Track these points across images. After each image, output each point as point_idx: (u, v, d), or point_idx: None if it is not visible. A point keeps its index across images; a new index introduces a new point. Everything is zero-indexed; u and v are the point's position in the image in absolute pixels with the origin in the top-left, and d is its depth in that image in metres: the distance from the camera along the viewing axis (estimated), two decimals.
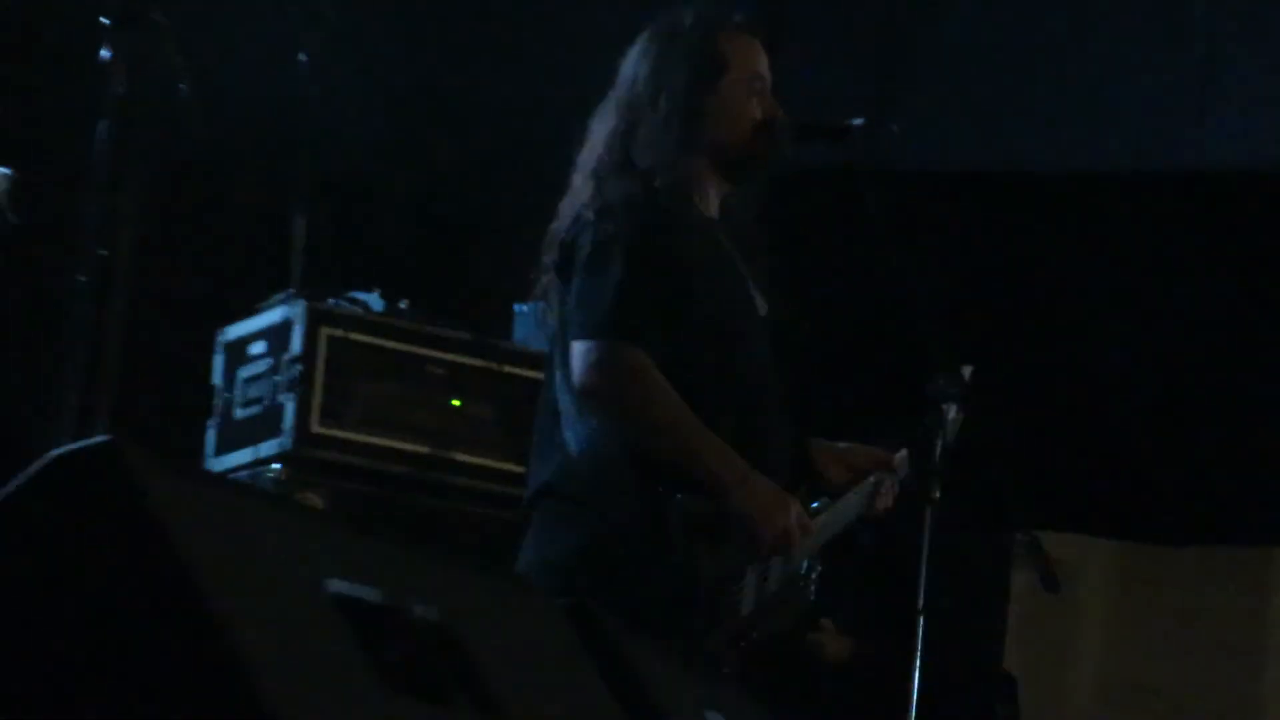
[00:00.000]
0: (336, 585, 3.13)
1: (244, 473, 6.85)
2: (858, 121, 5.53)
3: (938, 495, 5.39)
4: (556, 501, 5.40)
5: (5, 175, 6.32)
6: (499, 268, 7.47)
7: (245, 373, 6.96)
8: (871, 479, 5.55)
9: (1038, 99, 8.33)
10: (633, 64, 5.51)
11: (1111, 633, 8.47)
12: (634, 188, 5.34)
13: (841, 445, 5.66)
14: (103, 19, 5.54)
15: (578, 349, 5.24)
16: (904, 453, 5.58)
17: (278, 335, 6.83)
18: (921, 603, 5.34)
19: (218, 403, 7.06)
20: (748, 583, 5.41)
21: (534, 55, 8.55)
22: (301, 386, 6.71)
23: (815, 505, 5.49)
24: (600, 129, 5.48)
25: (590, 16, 8.45)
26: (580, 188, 5.44)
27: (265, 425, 6.83)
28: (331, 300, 6.89)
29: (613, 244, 5.27)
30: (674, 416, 5.24)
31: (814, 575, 5.48)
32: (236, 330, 7.05)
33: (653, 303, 5.27)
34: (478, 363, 6.92)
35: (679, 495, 5.27)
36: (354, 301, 6.98)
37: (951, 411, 5.43)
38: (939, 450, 5.43)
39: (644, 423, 5.27)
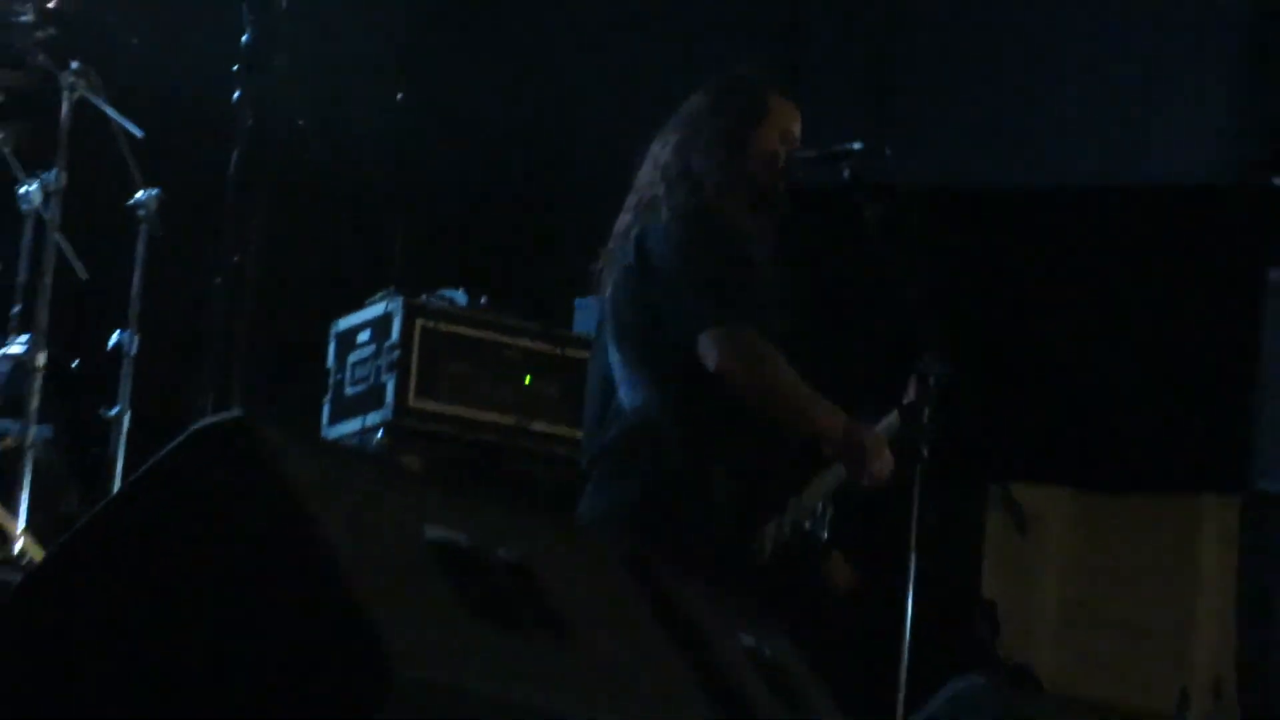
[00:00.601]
0: (432, 532, 3.11)
1: (353, 439, 6.86)
2: (857, 146, 5.52)
3: (926, 453, 5.37)
4: (614, 461, 5.39)
5: (154, 195, 6.31)
6: (562, 269, 7.44)
7: (354, 357, 6.98)
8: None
9: (1008, 126, 8.29)
10: (696, 99, 5.53)
11: (1070, 566, 8.41)
12: (697, 200, 5.36)
13: None
14: (234, 66, 5.52)
15: (708, 338, 5.21)
16: (894, 415, 5.55)
17: (380, 326, 6.85)
18: (913, 541, 5.32)
19: (331, 382, 7.08)
20: (769, 529, 5.41)
21: (590, 96, 8.51)
22: (400, 368, 6.73)
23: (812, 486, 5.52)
24: (661, 144, 5.49)
25: (648, 60, 8.44)
26: (645, 184, 5.46)
27: (370, 400, 6.85)
28: (424, 296, 6.91)
29: (700, 246, 5.30)
30: (793, 384, 5.27)
31: (827, 517, 5.46)
32: (346, 322, 7.07)
33: (741, 293, 5.28)
34: (545, 347, 6.93)
35: (718, 452, 5.30)
36: (443, 298, 7.00)
37: (936, 384, 5.40)
38: (927, 416, 5.41)
39: (772, 391, 5.28)
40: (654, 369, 5.34)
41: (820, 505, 5.48)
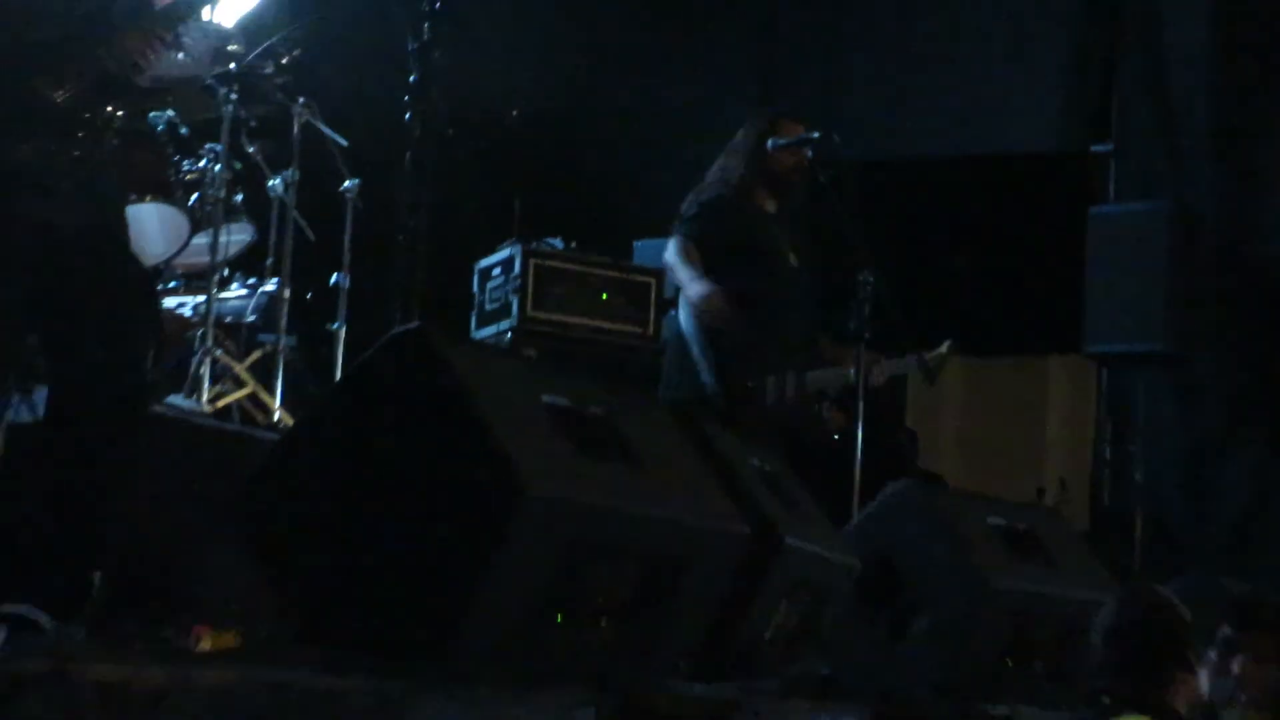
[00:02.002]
0: (547, 398, 3.10)
1: (491, 339, 6.83)
2: (816, 135, 5.50)
3: (867, 335, 5.33)
4: (669, 353, 5.59)
5: (355, 183, 6.28)
6: (624, 223, 7.41)
7: (490, 285, 6.93)
8: (844, 368, 5.53)
9: (916, 117, 8.18)
10: (739, 134, 5.63)
11: (962, 407, 8.37)
12: (712, 193, 5.52)
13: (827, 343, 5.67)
14: (405, 96, 5.48)
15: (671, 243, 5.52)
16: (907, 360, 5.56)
17: (507, 264, 6.80)
18: (860, 392, 5.29)
19: (475, 302, 7.04)
20: (772, 382, 5.42)
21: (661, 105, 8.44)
22: (520, 291, 6.67)
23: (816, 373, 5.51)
24: (719, 161, 5.62)
25: (674, 86, 8.36)
26: (702, 184, 5.61)
27: (502, 313, 6.80)
28: (534, 244, 6.86)
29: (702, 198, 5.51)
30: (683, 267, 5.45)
31: (839, 388, 5.49)
32: (485, 262, 7.01)
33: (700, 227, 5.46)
34: (614, 274, 6.86)
35: (726, 343, 5.35)
36: (546, 244, 6.93)
37: (870, 290, 5.36)
38: (866, 310, 5.39)
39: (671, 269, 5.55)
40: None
41: (827, 386, 5.50)
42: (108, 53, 3.56)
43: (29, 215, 3.40)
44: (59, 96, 3.48)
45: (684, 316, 5.48)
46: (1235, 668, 4.04)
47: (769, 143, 5.53)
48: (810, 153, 5.49)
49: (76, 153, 3.50)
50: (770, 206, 5.59)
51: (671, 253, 5.50)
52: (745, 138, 5.59)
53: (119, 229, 3.68)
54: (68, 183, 3.47)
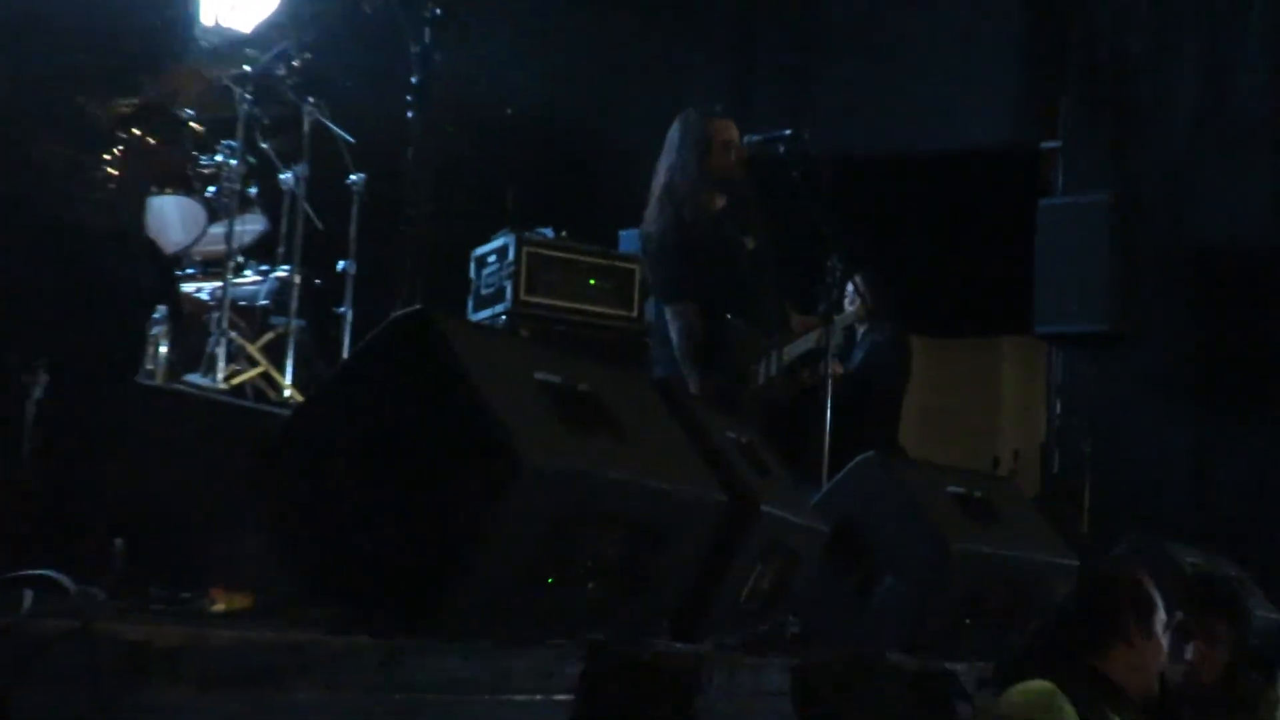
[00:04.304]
0: (539, 375, 3.06)
1: (487, 321, 6.79)
2: (787, 132, 5.45)
3: (835, 316, 5.34)
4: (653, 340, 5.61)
5: (361, 177, 6.25)
6: (609, 215, 7.36)
7: (486, 271, 6.89)
8: (814, 332, 5.48)
9: (879, 115, 8.17)
10: (670, 134, 5.50)
11: (924, 384, 8.33)
12: (671, 214, 5.40)
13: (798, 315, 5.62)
14: (408, 96, 5.39)
15: (670, 310, 5.41)
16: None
17: (502, 252, 6.76)
18: (828, 369, 5.28)
19: (472, 287, 6.99)
20: (762, 365, 5.39)
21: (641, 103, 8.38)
22: (514, 276, 6.64)
23: (790, 345, 5.48)
24: (660, 165, 5.49)
25: (653, 80, 8.31)
26: (653, 203, 5.48)
27: (497, 297, 6.77)
28: (526, 233, 6.81)
29: (668, 252, 5.42)
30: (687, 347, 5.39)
31: (829, 350, 5.45)
32: (481, 250, 6.97)
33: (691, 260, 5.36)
34: (601, 261, 6.83)
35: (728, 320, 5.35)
36: (538, 233, 6.88)
37: (840, 271, 5.36)
38: (834, 294, 5.39)
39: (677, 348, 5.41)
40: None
41: (801, 353, 5.47)
42: (151, 83, 3.61)
43: (58, 216, 3.42)
44: (100, 116, 3.56)
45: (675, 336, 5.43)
46: (1189, 654, 3.90)
47: (744, 139, 5.47)
48: (782, 149, 5.44)
49: (108, 168, 3.58)
50: (719, 203, 5.51)
51: (678, 338, 5.37)
52: (684, 147, 5.43)
53: (138, 231, 3.73)
54: (96, 193, 3.54)
